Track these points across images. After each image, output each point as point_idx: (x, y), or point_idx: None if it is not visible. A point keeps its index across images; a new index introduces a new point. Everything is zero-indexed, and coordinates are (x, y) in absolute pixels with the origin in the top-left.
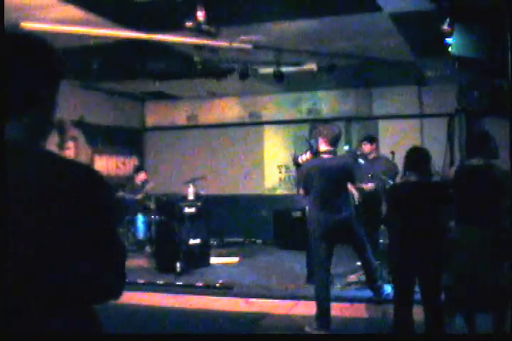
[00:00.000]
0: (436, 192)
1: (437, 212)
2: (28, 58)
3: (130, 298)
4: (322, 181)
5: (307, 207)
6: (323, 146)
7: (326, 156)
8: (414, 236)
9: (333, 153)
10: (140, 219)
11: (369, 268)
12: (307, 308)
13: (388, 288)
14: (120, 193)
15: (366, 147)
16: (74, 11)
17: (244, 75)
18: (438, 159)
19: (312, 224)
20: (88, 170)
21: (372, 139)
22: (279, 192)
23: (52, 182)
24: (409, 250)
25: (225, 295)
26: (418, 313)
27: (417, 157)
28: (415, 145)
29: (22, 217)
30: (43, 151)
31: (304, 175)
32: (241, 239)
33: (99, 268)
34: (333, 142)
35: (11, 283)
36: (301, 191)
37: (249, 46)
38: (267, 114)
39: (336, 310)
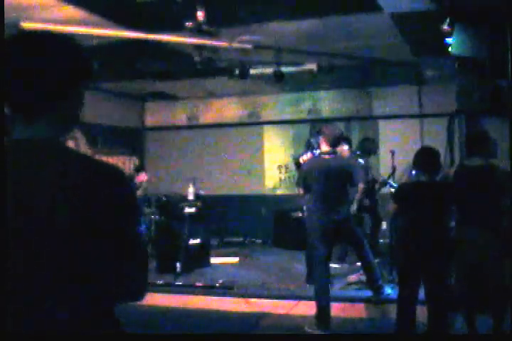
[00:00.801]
0: (445, 192)
1: (444, 212)
2: (58, 56)
3: None
4: (321, 181)
5: (305, 207)
6: (323, 146)
7: (326, 156)
8: (421, 236)
9: (334, 153)
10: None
11: (369, 268)
12: (307, 308)
13: (388, 289)
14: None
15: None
16: (74, 11)
17: (244, 75)
18: None
19: (310, 224)
20: (115, 170)
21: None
22: (279, 192)
23: (80, 181)
24: (416, 250)
25: (225, 295)
26: (419, 313)
27: (428, 157)
28: (425, 145)
29: (47, 216)
30: (68, 149)
31: (303, 175)
32: (241, 239)
33: (124, 269)
34: (334, 142)
35: (39, 282)
36: (301, 190)
37: (249, 46)
38: (267, 114)
39: (336, 310)
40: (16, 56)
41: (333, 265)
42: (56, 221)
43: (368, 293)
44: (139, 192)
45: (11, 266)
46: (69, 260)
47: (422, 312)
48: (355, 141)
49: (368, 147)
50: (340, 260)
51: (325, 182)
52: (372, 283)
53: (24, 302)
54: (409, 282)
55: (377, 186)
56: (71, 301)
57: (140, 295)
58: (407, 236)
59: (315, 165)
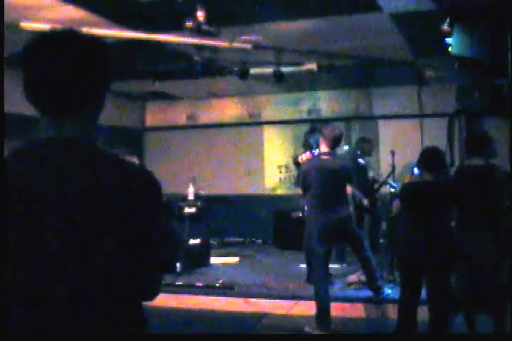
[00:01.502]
0: (450, 191)
1: (449, 212)
2: (89, 57)
3: None
4: (320, 181)
5: (305, 207)
6: (322, 147)
7: (324, 157)
8: (425, 237)
9: (333, 153)
10: None
11: (368, 268)
12: (307, 308)
13: (388, 289)
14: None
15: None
16: (74, 11)
17: (244, 75)
18: None
19: (309, 224)
20: (149, 175)
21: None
22: (279, 192)
23: (112, 181)
24: (419, 251)
25: (225, 295)
26: (419, 312)
27: (433, 157)
28: (430, 145)
29: (75, 214)
30: (99, 149)
31: (303, 175)
32: (241, 239)
33: (149, 270)
34: (333, 143)
35: (65, 281)
36: (300, 190)
37: (249, 46)
38: (267, 114)
39: (336, 310)
40: (45, 56)
41: (332, 265)
42: (84, 220)
43: (368, 293)
44: None
45: (32, 265)
46: (96, 260)
47: (421, 312)
48: (355, 141)
49: (364, 147)
50: (339, 260)
51: (323, 182)
52: (372, 283)
53: (48, 302)
54: (411, 284)
55: (376, 186)
56: (96, 301)
57: (155, 295)
58: (411, 236)
59: (313, 165)
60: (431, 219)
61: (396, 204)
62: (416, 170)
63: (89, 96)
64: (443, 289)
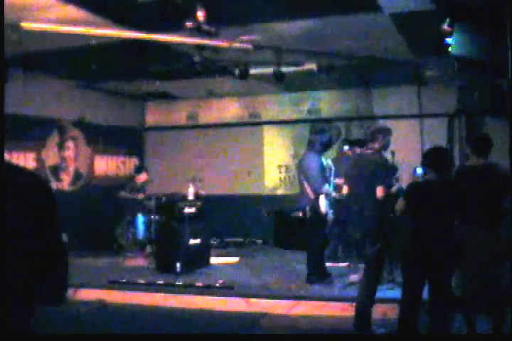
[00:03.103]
0: (455, 191)
1: (454, 212)
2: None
3: (130, 298)
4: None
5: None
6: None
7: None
8: (431, 237)
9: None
10: (140, 219)
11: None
12: (307, 308)
13: (388, 289)
14: (121, 193)
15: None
16: (74, 11)
17: (244, 75)
18: None
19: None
20: (37, 178)
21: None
22: (279, 192)
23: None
24: (425, 251)
25: (225, 295)
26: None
27: (439, 156)
28: (436, 145)
29: None
30: None
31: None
32: (241, 239)
33: (44, 274)
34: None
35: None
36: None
37: (249, 46)
38: (267, 114)
39: (336, 310)
40: None
41: (328, 264)
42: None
43: None
44: (140, 194)
45: None
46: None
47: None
48: None
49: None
50: (333, 259)
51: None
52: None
53: None
54: (414, 284)
55: None
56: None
57: (60, 301)
58: (416, 237)
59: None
60: (437, 218)
61: (400, 203)
62: (419, 170)
63: None
64: (445, 289)
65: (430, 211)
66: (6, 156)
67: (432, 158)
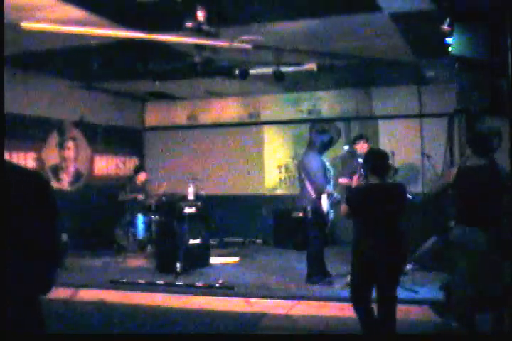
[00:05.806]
0: (398, 193)
1: (398, 214)
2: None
3: (130, 298)
4: None
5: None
6: None
7: None
8: (376, 240)
9: None
10: (140, 219)
11: None
12: (307, 308)
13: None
14: (121, 197)
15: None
16: (74, 11)
17: (244, 75)
18: (438, 159)
19: None
20: (38, 176)
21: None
22: (279, 192)
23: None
24: (373, 251)
25: (225, 295)
26: (417, 313)
27: (379, 160)
28: (374, 147)
29: None
30: None
31: None
32: (241, 239)
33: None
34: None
35: None
36: None
37: (249, 46)
38: (267, 114)
39: (336, 310)
40: None
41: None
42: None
43: None
44: (140, 195)
45: None
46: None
47: (421, 311)
48: None
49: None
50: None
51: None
52: None
53: None
54: (364, 284)
55: None
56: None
57: (47, 290)
58: (362, 239)
59: None
60: (379, 222)
61: (343, 208)
62: (346, 147)
63: None
64: (393, 292)
65: (372, 214)
66: (6, 156)
67: (372, 161)
